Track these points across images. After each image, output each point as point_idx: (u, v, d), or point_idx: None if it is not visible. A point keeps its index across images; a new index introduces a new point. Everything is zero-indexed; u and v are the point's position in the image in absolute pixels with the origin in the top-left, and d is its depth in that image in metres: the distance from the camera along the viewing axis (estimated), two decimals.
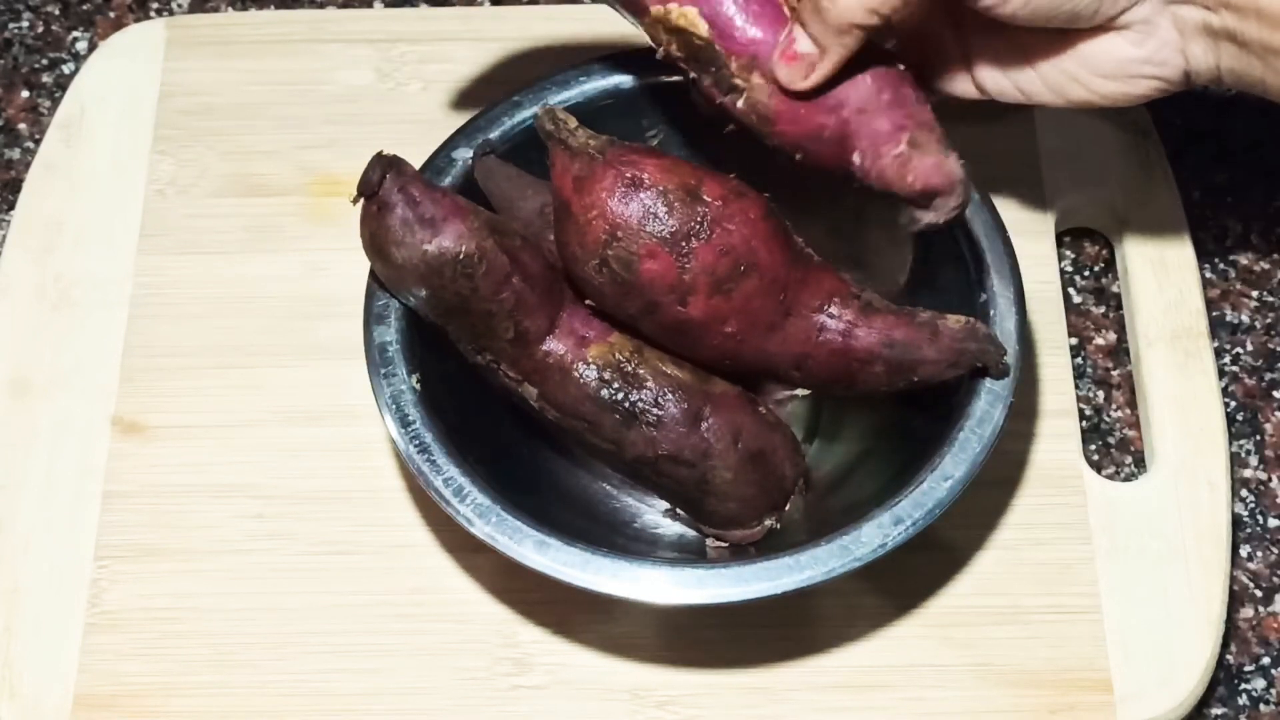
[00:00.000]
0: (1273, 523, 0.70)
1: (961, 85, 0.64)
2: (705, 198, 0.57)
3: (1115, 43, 0.59)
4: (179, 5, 0.83)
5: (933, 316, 0.60)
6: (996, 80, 0.63)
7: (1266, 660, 0.67)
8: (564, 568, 0.58)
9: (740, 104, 0.59)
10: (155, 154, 0.76)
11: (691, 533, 0.65)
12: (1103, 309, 0.74)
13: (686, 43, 0.59)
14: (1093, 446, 0.71)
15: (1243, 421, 0.72)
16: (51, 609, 0.66)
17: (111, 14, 0.83)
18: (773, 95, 0.58)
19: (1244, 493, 0.70)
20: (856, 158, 0.59)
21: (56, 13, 0.83)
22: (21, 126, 0.80)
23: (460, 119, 0.67)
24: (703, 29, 0.58)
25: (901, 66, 0.59)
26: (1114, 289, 0.75)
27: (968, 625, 0.66)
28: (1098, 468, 0.70)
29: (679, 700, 0.64)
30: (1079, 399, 0.72)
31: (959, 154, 0.59)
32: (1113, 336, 0.74)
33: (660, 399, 0.60)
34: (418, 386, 0.61)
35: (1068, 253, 0.76)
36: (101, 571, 0.67)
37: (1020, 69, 0.62)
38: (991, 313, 0.62)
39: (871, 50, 0.58)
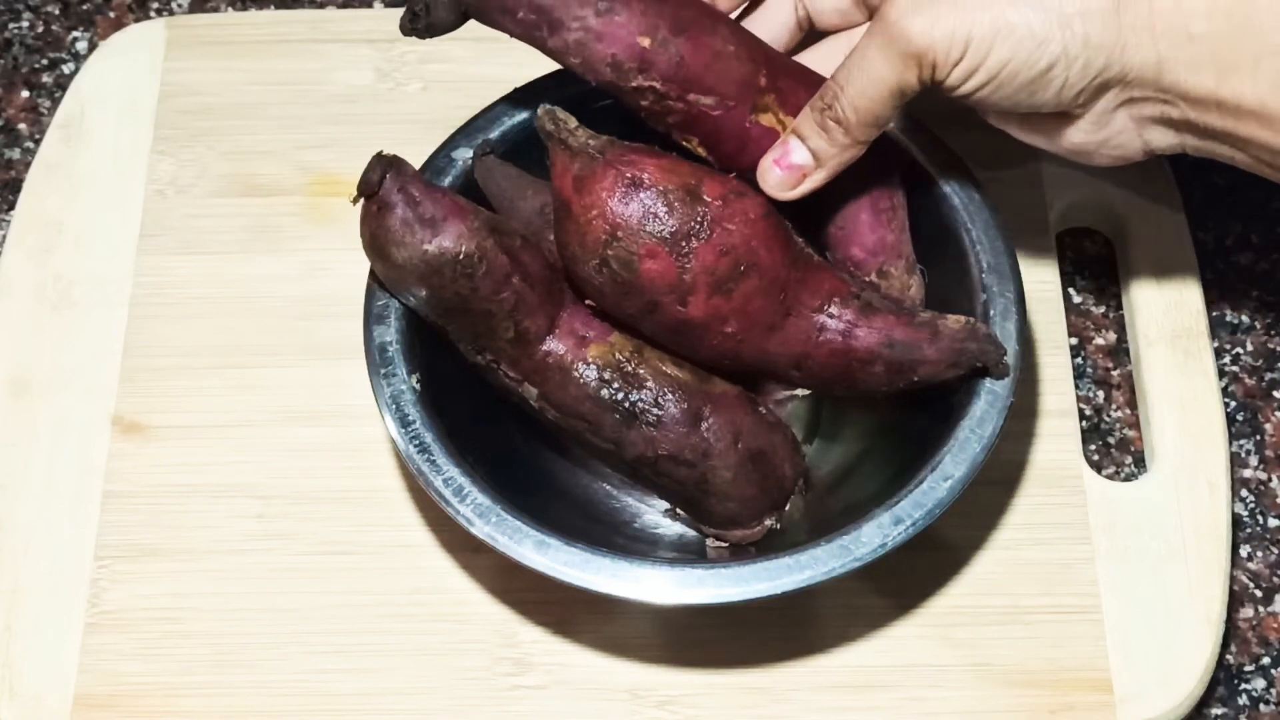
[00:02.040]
0: (1273, 523, 0.70)
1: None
2: (705, 198, 0.57)
3: (1071, 130, 0.60)
4: (179, 5, 0.83)
5: (933, 316, 0.60)
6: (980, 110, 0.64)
7: (1266, 660, 0.67)
8: (564, 568, 0.58)
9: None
10: (155, 154, 0.76)
11: (691, 533, 0.65)
12: (1103, 309, 0.74)
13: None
14: (1093, 446, 0.71)
15: (1243, 421, 0.72)
16: (51, 609, 0.66)
17: (111, 14, 0.83)
18: None
19: (1244, 493, 0.70)
20: (829, 256, 0.64)
21: (56, 13, 0.83)
22: (21, 126, 0.80)
23: (460, 119, 0.67)
24: (701, 152, 0.61)
25: (888, 190, 0.63)
26: (1114, 289, 0.75)
27: (968, 625, 0.65)
28: (1098, 468, 0.70)
29: (679, 700, 0.64)
30: (1079, 399, 0.72)
31: (921, 274, 0.64)
32: (1113, 336, 0.74)
33: (660, 399, 0.60)
34: (418, 386, 0.61)
35: (1068, 253, 0.76)
36: (101, 571, 0.67)
37: (993, 118, 0.63)
38: (991, 313, 0.62)
39: (863, 163, 0.60)
